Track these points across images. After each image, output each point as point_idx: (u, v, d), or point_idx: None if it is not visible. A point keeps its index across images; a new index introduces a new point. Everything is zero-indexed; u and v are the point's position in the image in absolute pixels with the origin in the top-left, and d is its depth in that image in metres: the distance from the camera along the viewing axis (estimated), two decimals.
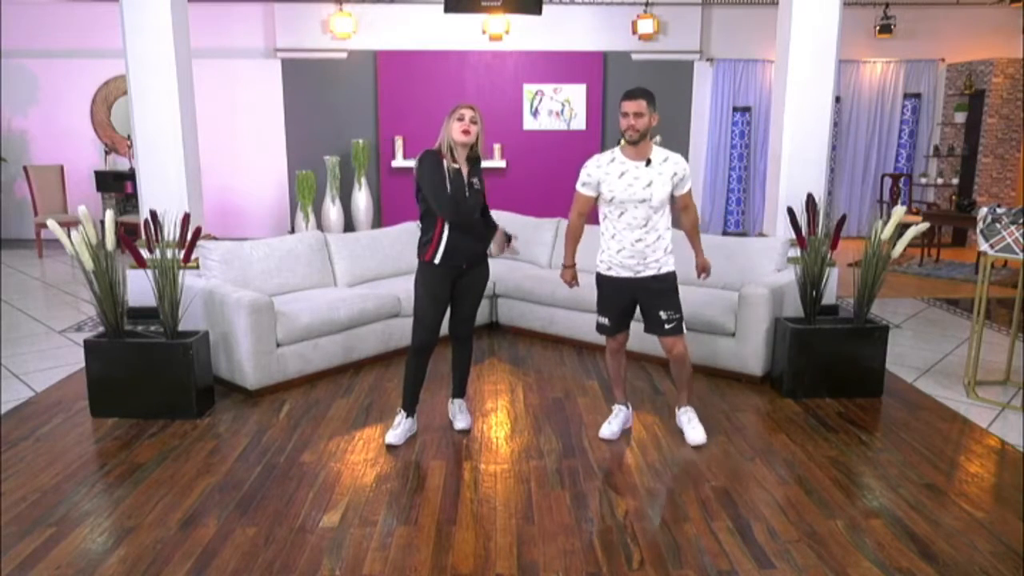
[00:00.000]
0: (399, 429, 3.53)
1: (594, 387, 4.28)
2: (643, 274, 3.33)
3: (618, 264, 3.36)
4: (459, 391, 3.74)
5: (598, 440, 3.54)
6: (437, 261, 3.35)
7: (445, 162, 3.30)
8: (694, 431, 3.50)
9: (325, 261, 4.96)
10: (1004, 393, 4.22)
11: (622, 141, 3.30)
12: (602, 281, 3.46)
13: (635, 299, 3.42)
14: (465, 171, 3.35)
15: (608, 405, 3.98)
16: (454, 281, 3.46)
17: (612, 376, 3.63)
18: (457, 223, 3.32)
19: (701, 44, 9.16)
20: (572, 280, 3.56)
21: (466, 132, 3.28)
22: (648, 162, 3.24)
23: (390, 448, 3.47)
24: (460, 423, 3.69)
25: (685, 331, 3.42)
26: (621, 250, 3.33)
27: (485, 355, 4.87)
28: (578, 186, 3.38)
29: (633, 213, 3.27)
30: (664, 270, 3.34)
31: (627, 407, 3.65)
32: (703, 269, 3.60)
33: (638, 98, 3.16)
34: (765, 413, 3.90)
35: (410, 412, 3.58)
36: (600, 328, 3.52)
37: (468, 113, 3.30)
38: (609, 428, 3.55)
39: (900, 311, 6.09)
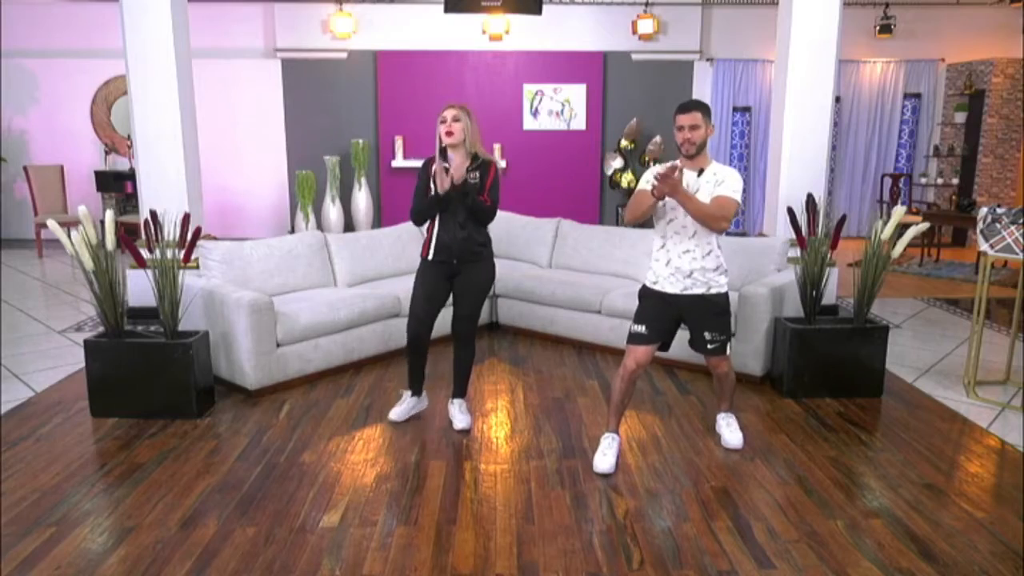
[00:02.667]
0: (402, 406, 3.71)
1: (594, 387, 4.28)
2: (691, 291, 3.19)
3: (665, 278, 3.22)
4: (459, 391, 3.74)
5: (598, 440, 3.52)
6: (431, 257, 3.50)
7: (435, 165, 3.39)
8: (732, 435, 3.46)
9: (325, 261, 4.96)
10: (1004, 393, 4.22)
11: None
12: (647, 294, 3.31)
13: (680, 318, 3.29)
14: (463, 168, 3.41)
15: (607, 405, 3.98)
16: (451, 280, 3.52)
17: (614, 401, 3.31)
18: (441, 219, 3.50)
19: (701, 44, 9.16)
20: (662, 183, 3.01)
21: (449, 133, 3.38)
22: (701, 172, 3.15)
23: (392, 424, 3.64)
24: (459, 423, 3.68)
25: (729, 351, 3.33)
26: (669, 262, 3.21)
27: (485, 355, 4.87)
28: (640, 183, 3.32)
29: (682, 222, 3.16)
30: (714, 290, 3.21)
31: (618, 435, 3.38)
32: (674, 183, 2.98)
33: (692, 111, 3.09)
34: (765, 413, 3.90)
35: (416, 391, 3.73)
36: (632, 338, 3.25)
37: (449, 114, 3.40)
38: (607, 460, 3.24)
39: (900, 311, 6.09)
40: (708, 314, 3.25)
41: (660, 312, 3.26)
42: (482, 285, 3.58)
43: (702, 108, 3.13)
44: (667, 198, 3.12)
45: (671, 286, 3.22)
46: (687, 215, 3.13)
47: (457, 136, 3.37)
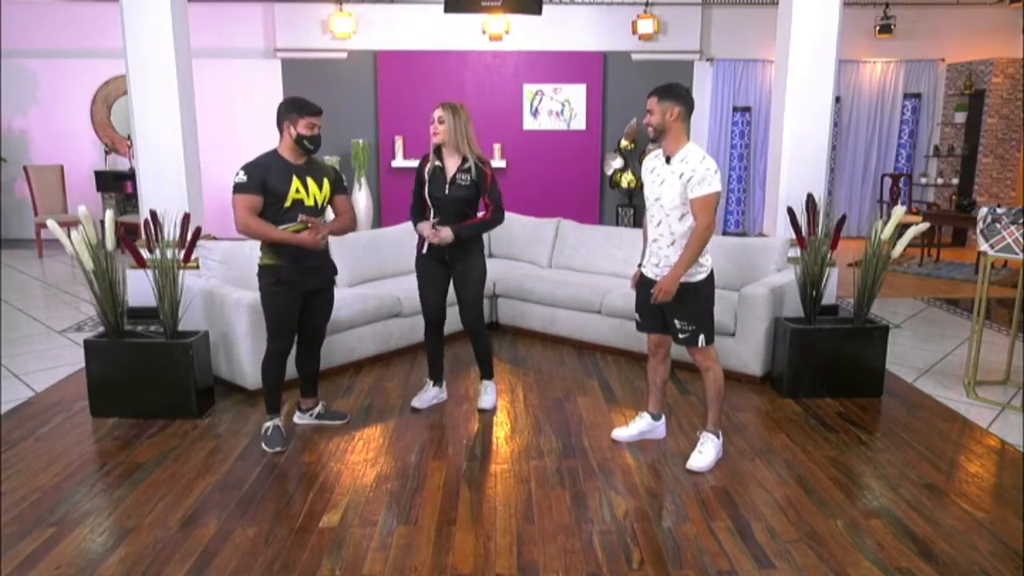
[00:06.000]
0: (425, 395, 3.92)
1: (594, 387, 4.28)
2: (660, 277, 3.20)
3: (646, 261, 3.31)
4: (484, 373, 3.90)
5: (598, 440, 3.53)
6: (424, 251, 3.65)
7: (428, 165, 3.58)
8: (696, 456, 3.26)
9: None
10: (1004, 393, 4.22)
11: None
12: (640, 277, 3.39)
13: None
14: (453, 168, 3.54)
15: (608, 405, 3.99)
16: (449, 268, 3.66)
17: (647, 379, 3.55)
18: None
19: (701, 44, 9.16)
20: (633, 281, 3.42)
21: (434, 134, 3.51)
22: (668, 159, 3.12)
23: (414, 411, 3.85)
24: (481, 402, 3.86)
25: (703, 344, 3.21)
26: (646, 247, 3.31)
27: None
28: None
29: (652, 210, 3.19)
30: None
31: (653, 418, 3.53)
32: (658, 289, 3.14)
33: (650, 96, 3.10)
34: (765, 413, 3.90)
35: (436, 381, 3.91)
36: (636, 325, 3.46)
37: (435, 115, 3.50)
38: (625, 431, 3.53)
39: (900, 311, 6.09)
40: (675, 301, 3.17)
41: (646, 297, 3.28)
42: (478, 275, 3.70)
43: (658, 92, 3.08)
44: (644, 191, 3.25)
45: (648, 270, 3.30)
46: (652, 204, 3.19)
47: (440, 137, 3.50)
